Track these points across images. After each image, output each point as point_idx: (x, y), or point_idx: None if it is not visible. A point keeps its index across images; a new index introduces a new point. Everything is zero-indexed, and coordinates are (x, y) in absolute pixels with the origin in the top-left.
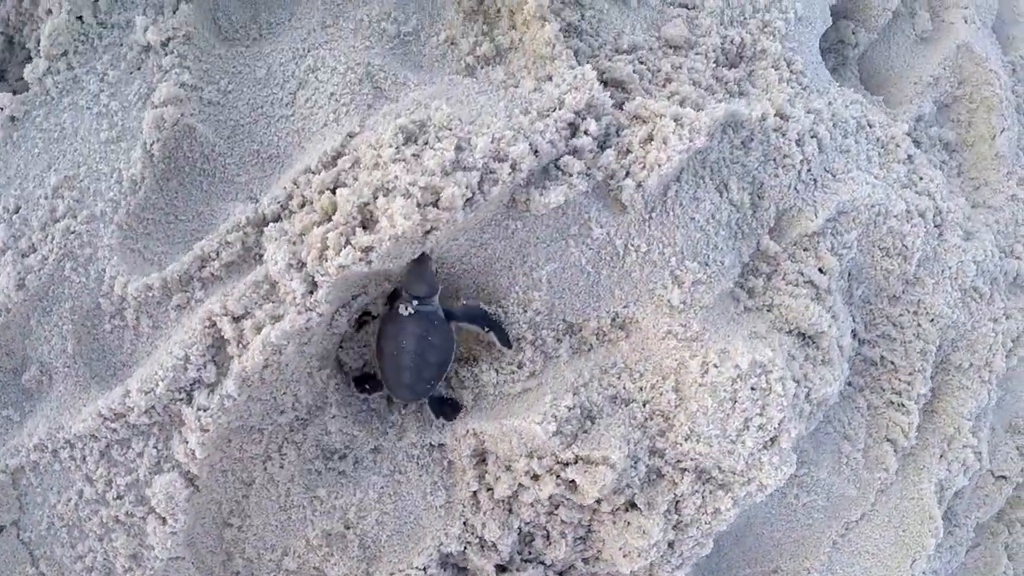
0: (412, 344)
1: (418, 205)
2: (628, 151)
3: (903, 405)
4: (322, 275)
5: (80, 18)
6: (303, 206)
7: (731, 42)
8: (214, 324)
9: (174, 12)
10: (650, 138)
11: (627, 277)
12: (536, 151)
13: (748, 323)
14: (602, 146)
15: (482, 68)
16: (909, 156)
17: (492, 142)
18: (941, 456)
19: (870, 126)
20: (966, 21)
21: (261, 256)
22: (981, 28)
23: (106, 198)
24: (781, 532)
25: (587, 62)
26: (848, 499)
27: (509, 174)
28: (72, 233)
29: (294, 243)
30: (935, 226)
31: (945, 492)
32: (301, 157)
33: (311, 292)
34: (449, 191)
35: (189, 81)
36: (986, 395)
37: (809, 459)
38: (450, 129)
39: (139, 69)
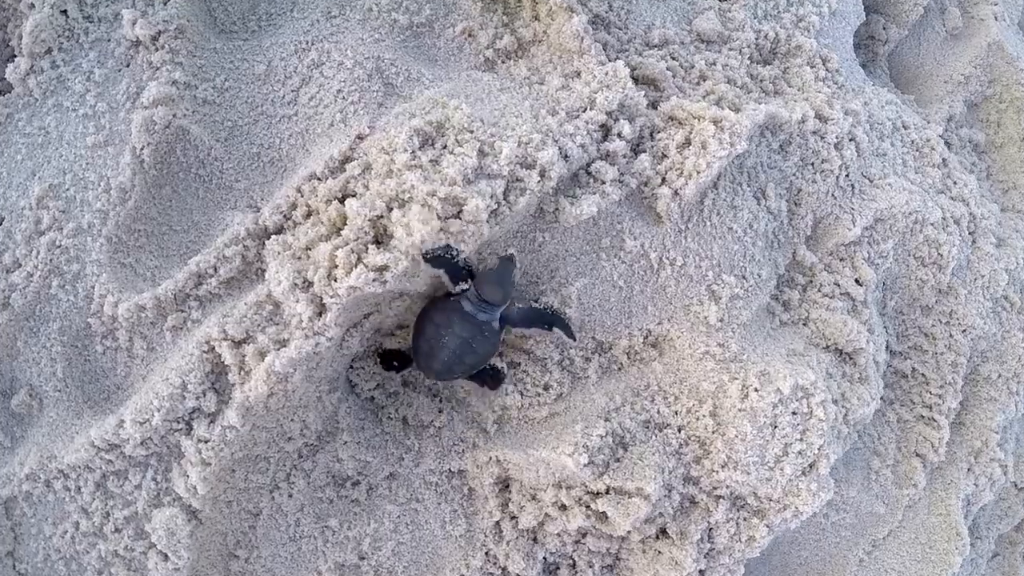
0: (454, 343)
1: (438, 217)
2: (664, 156)
3: (934, 419)
4: (331, 297)
5: (65, 12)
6: (308, 216)
7: (765, 37)
8: (213, 349)
9: (165, 3)
10: (687, 142)
11: (661, 292)
12: (566, 156)
13: (785, 339)
14: (635, 150)
15: (503, 63)
16: (944, 160)
17: (519, 146)
18: (968, 470)
19: (905, 128)
20: (996, 18)
21: (263, 272)
22: (1010, 25)
23: (93, 208)
24: (809, 551)
25: (616, 57)
26: (876, 516)
27: (538, 182)
28: (58, 247)
29: (299, 259)
30: (969, 233)
31: (971, 507)
32: (306, 161)
33: (319, 315)
34: (473, 203)
35: (181, 79)
36: (1014, 407)
37: (840, 476)
38: (471, 132)
39: (127, 66)
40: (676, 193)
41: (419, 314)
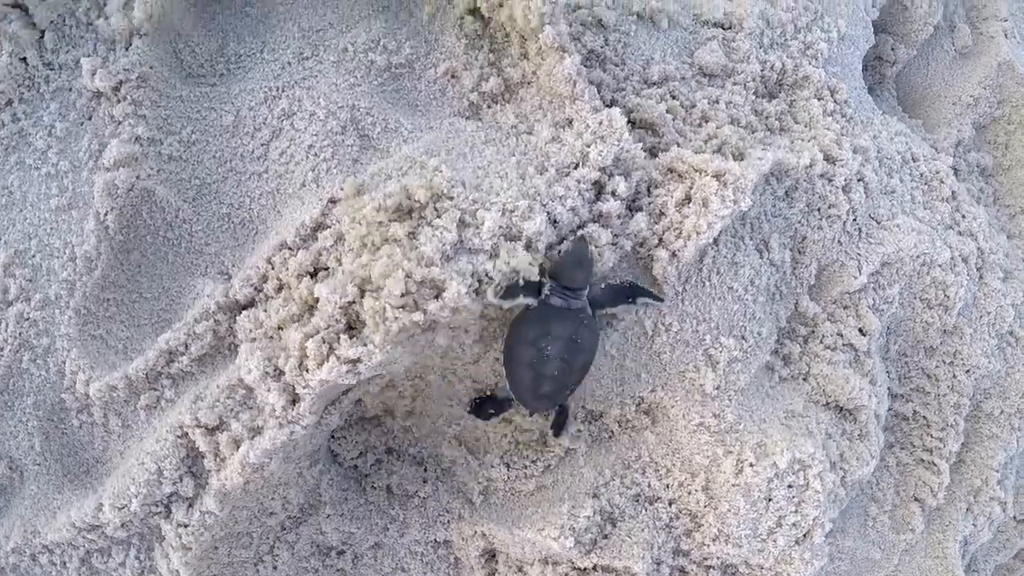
0: (558, 348)
1: (415, 304)
2: (662, 214)
3: (934, 464)
4: (303, 387)
5: (24, 60)
6: (280, 291)
7: (771, 68)
8: (187, 435)
9: (127, 49)
10: (688, 199)
11: (656, 359)
12: (555, 221)
13: (784, 399)
14: (631, 207)
15: (489, 107)
16: (953, 192)
17: (503, 215)
18: (967, 510)
19: (914, 160)
20: (1006, 35)
21: (236, 347)
22: (1020, 41)
23: (60, 278)
24: None
25: (612, 97)
26: (872, 562)
27: (524, 254)
28: (26, 320)
29: (272, 339)
30: (976, 269)
31: (969, 547)
32: (277, 225)
33: (292, 404)
34: (453, 288)
35: (145, 134)
36: (1015, 443)
37: (836, 527)
38: (451, 199)
39: (89, 119)
40: (674, 255)
41: (507, 345)
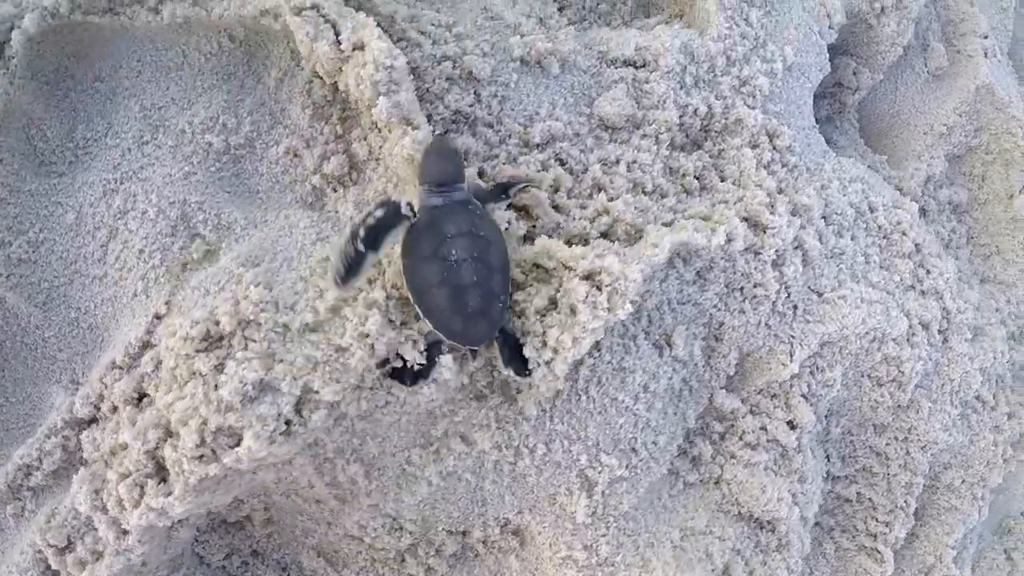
0: (464, 247)
1: (212, 453)
2: (523, 321)
3: (877, 551)
4: (126, 523)
5: None
6: (115, 411)
7: (693, 113)
8: (41, 552)
9: None
10: (553, 304)
11: (521, 481)
12: (387, 359)
13: (684, 512)
14: None
15: (334, 191)
16: (916, 246)
17: (318, 350)
18: None
19: (872, 210)
20: (986, 55)
21: (85, 462)
22: (1001, 59)
23: None
24: None
25: (481, 167)
26: None
27: (336, 395)
28: None
29: (106, 463)
30: (939, 332)
31: None
32: (115, 335)
33: (124, 534)
34: (249, 439)
35: None
36: (976, 514)
37: None
38: (259, 324)
39: None
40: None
41: (407, 277)
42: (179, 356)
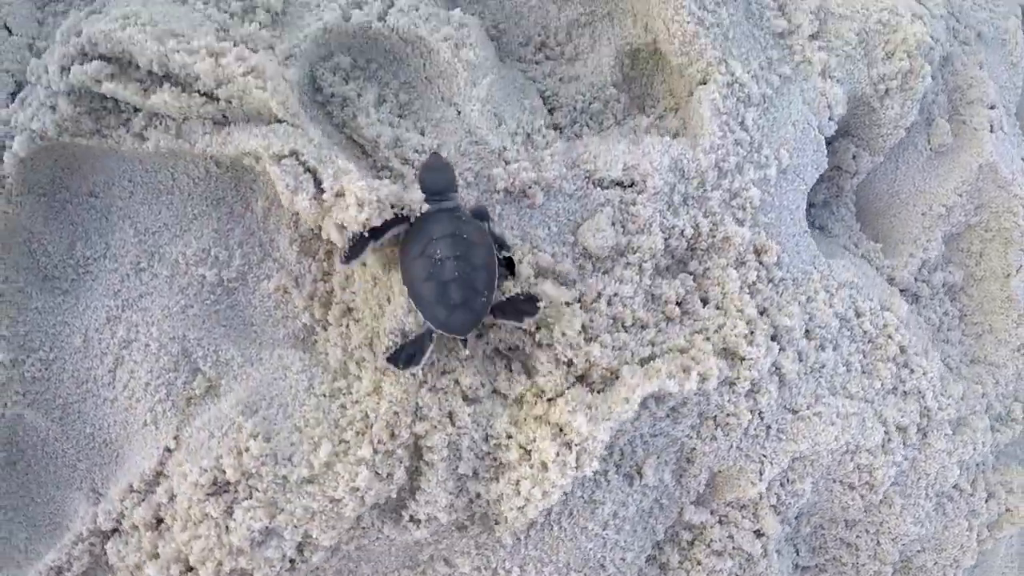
0: (447, 247)
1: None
2: (498, 471)
3: None
4: None
5: None
6: (136, 529)
7: (679, 235)
8: None
9: None
10: (527, 454)
11: None
12: (366, 495)
13: None
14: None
15: (324, 330)
16: (901, 348)
17: (315, 500)
18: None
19: (858, 316)
20: (992, 128)
21: (112, 567)
22: (1008, 130)
23: None
24: None
25: None
26: None
27: (333, 541)
28: None
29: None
30: (918, 430)
31: None
32: (128, 459)
33: None
34: None
35: (6, 358)
36: None
37: None
38: (260, 476)
39: None
40: (507, 519)
41: (402, 274)
42: (191, 500)
